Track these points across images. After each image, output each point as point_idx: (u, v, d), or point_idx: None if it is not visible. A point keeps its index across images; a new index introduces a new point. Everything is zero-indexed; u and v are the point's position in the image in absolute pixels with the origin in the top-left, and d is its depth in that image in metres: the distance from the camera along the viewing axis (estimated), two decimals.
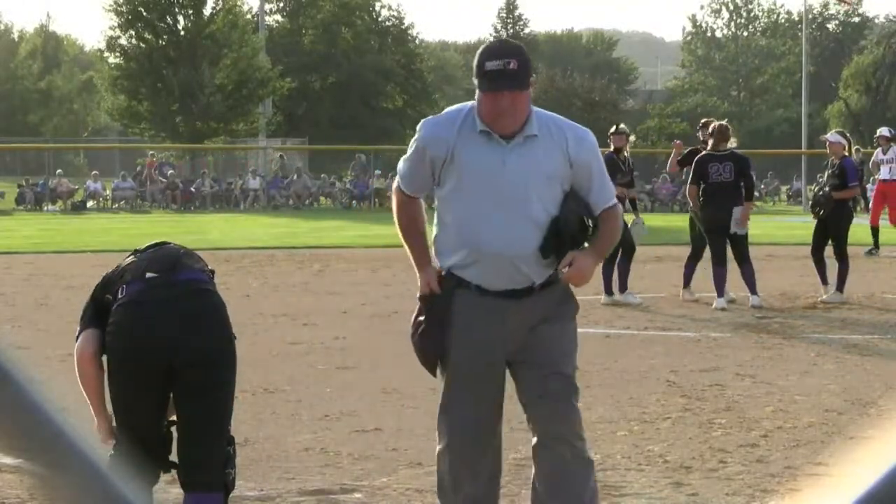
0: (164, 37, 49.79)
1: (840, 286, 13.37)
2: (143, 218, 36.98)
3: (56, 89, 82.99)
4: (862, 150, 22.55)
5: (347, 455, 6.56)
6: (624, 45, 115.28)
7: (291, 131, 59.35)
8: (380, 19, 71.38)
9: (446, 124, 4.51)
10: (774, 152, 54.78)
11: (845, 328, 11.62)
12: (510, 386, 4.60)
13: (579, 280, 4.47)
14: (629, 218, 11.98)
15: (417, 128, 4.61)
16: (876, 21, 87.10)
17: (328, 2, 67.62)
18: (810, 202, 14.86)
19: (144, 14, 49.40)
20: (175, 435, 4.64)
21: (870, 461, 0.98)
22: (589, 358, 8.76)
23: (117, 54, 50.82)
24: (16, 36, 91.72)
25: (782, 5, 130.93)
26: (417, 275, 4.64)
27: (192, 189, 43.82)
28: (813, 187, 22.27)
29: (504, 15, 78.01)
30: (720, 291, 12.87)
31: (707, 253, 13.31)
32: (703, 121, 14.90)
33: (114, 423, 4.62)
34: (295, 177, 44.99)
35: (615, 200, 4.65)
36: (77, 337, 4.65)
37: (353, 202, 44.31)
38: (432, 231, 4.64)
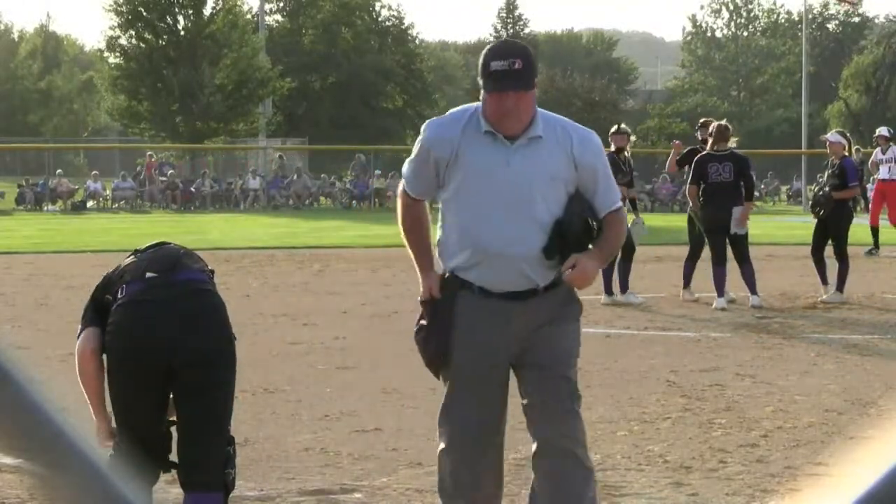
0: (164, 37, 49.81)
1: (840, 286, 13.37)
2: (143, 218, 36.99)
3: (56, 89, 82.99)
4: (862, 150, 22.55)
5: (347, 455, 6.56)
6: (624, 45, 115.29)
7: (291, 131, 59.35)
8: (380, 19, 71.38)
9: (451, 125, 4.49)
10: (774, 152, 54.79)
11: (845, 328, 11.62)
12: (512, 387, 4.59)
13: (582, 282, 4.45)
14: (629, 218, 11.99)
15: (422, 129, 4.58)
16: (876, 21, 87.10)
17: (328, 2, 67.62)
18: (810, 202, 14.86)
19: (144, 14, 49.42)
20: (175, 435, 4.64)
21: (870, 461, 0.98)
22: (589, 358, 8.76)
23: (117, 54, 50.84)
24: (16, 36, 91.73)
25: (782, 5, 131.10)
26: (419, 279, 4.62)
27: (192, 189, 43.82)
28: (813, 187, 22.28)
29: (504, 15, 77.98)
30: (720, 291, 12.87)
31: (706, 252, 13.31)
32: (701, 120, 14.92)
33: (113, 425, 4.61)
34: (295, 177, 44.99)
35: (620, 203, 4.63)
36: (78, 336, 4.65)
37: (353, 202, 44.32)
38: (436, 233, 4.62)
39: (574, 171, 4.45)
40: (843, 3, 74.58)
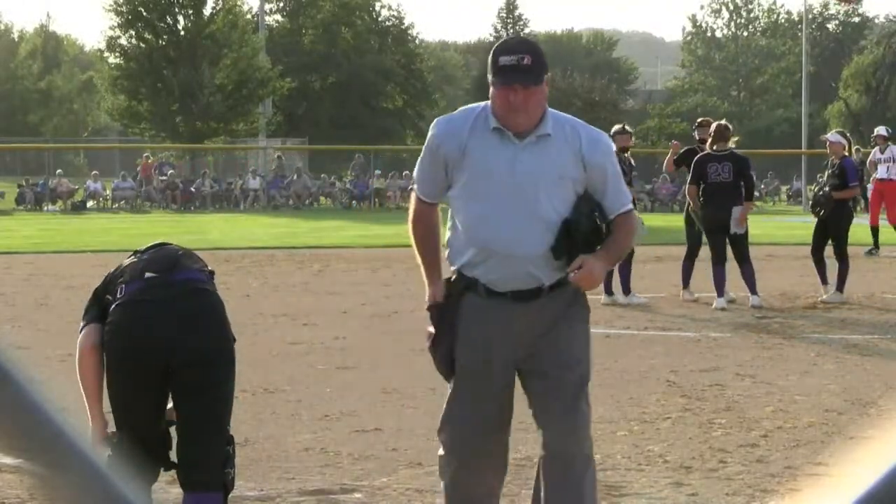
0: (164, 37, 49.81)
1: (840, 286, 13.37)
2: (143, 218, 36.99)
3: (56, 89, 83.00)
4: (862, 149, 22.57)
5: (347, 455, 6.56)
6: (624, 45, 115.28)
7: (291, 131, 59.35)
8: (380, 19, 71.40)
9: (459, 122, 4.47)
10: (774, 152, 54.78)
11: (845, 328, 11.62)
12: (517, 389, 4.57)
13: (588, 283, 4.40)
14: None
15: (431, 126, 4.55)
16: (876, 21, 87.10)
17: (328, 2, 67.62)
18: (810, 202, 14.86)
19: (144, 14, 49.42)
20: (174, 434, 4.64)
21: (870, 461, 0.98)
22: None
23: (117, 54, 50.84)
24: (16, 36, 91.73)
25: (782, 5, 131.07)
26: (426, 286, 4.58)
27: (192, 189, 43.82)
28: (813, 187, 22.28)
29: (504, 15, 77.99)
30: (720, 291, 12.87)
31: (705, 252, 13.32)
32: (699, 120, 14.93)
33: (110, 429, 4.61)
34: (295, 177, 44.99)
35: (630, 205, 4.57)
36: (79, 333, 4.65)
37: (353, 202, 44.32)
38: (445, 233, 4.59)
39: (583, 170, 4.40)
40: (843, 3, 74.65)
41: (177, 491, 4.68)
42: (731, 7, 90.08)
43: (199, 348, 4.48)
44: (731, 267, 12.88)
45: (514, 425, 4.64)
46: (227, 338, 4.59)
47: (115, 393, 4.55)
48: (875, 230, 19.88)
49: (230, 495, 4.68)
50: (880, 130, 21.31)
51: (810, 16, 67.00)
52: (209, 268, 4.77)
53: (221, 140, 50.71)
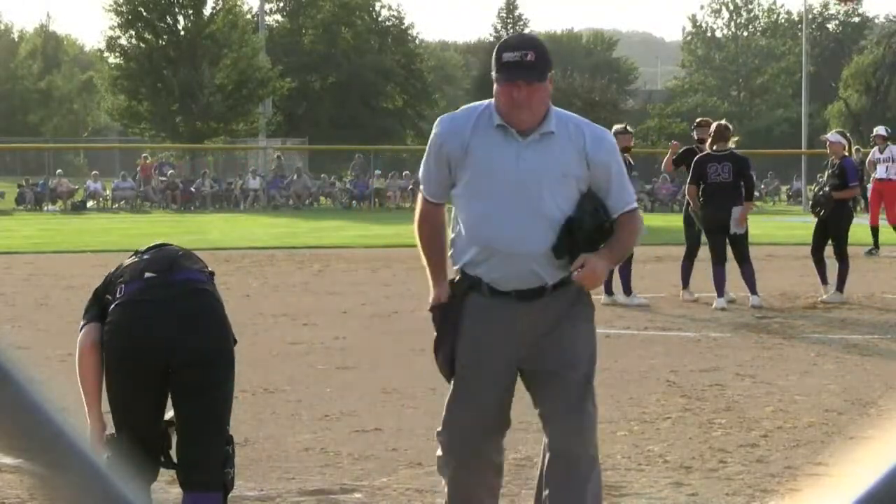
0: (164, 37, 49.82)
1: (840, 286, 13.37)
2: (143, 218, 36.99)
3: (56, 89, 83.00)
4: (862, 149, 22.58)
5: (347, 455, 6.56)
6: (624, 45, 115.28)
7: (291, 131, 59.36)
8: (380, 19, 71.40)
9: (462, 120, 4.45)
10: (774, 152, 54.79)
11: (845, 328, 11.62)
12: (518, 388, 4.56)
13: (591, 282, 4.37)
14: None
15: (434, 125, 4.54)
16: (876, 21, 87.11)
17: (328, 2, 67.63)
18: (811, 202, 14.86)
19: (144, 14, 49.43)
20: (173, 434, 4.64)
21: (870, 461, 0.98)
22: None
23: (117, 54, 50.85)
24: (16, 36, 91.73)
25: (782, 5, 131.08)
26: (430, 287, 4.56)
27: (192, 189, 43.83)
28: (813, 187, 22.28)
29: (504, 15, 78.00)
30: (720, 291, 12.87)
31: (704, 252, 13.32)
32: (697, 120, 14.93)
33: (108, 431, 4.60)
34: (295, 177, 44.99)
35: (635, 204, 4.54)
36: (80, 331, 4.65)
37: (353, 202, 44.31)
38: (449, 233, 4.57)
39: (586, 168, 4.38)
40: (843, 3, 74.66)
41: (177, 491, 4.69)
42: (731, 7, 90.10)
43: (198, 348, 4.48)
44: (731, 267, 12.88)
45: (514, 425, 4.64)
46: (226, 338, 4.59)
47: (115, 393, 4.54)
48: (875, 230, 19.89)
49: (230, 495, 4.68)
50: (879, 130, 21.31)
51: (810, 16, 67.01)
52: (209, 269, 4.77)
53: (221, 140, 50.71)
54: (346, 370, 9.30)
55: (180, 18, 50.12)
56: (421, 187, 4.60)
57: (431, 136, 4.51)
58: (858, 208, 23.25)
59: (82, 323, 4.64)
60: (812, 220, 13.96)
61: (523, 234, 4.33)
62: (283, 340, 10.73)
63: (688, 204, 13.72)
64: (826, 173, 14.10)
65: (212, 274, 4.74)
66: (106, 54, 51.61)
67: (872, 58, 70.00)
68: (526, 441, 6.22)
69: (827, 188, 13.54)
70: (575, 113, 4.69)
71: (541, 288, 4.39)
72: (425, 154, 4.54)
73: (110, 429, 4.62)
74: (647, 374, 9.05)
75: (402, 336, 10.85)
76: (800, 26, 60.32)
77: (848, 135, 14.56)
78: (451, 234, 4.54)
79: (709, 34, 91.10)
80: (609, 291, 13.17)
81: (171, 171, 46.00)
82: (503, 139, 4.36)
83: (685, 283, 13.69)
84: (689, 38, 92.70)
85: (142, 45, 49.80)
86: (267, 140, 53.08)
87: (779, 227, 27.80)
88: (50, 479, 1.04)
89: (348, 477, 6.11)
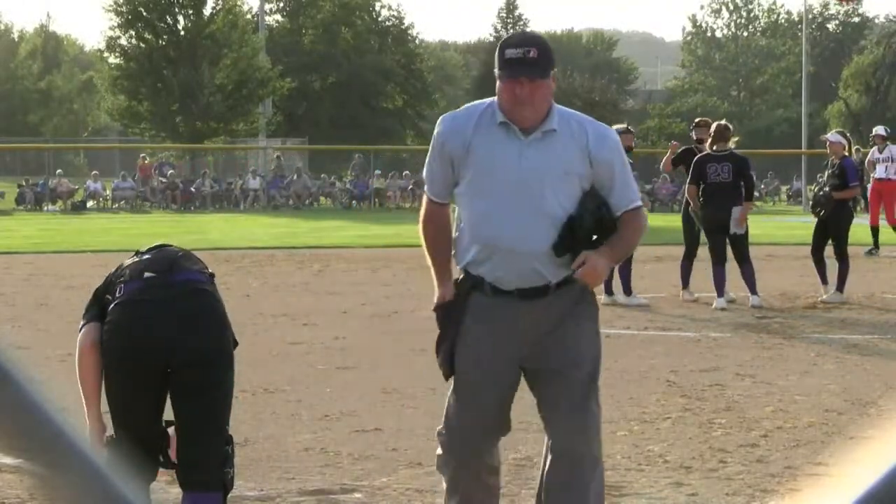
0: (164, 37, 49.85)
1: (840, 286, 13.37)
2: (143, 218, 36.99)
3: (56, 89, 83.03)
4: (862, 149, 22.59)
5: (347, 455, 6.56)
6: (624, 45, 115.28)
7: (291, 131, 59.38)
8: (380, 19, 71.42)
9: (464, 118, 4.43)
10: (774, 152, 54.79)
11: (845, 328, 11.62)
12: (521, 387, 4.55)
13: (592, 279, 4.35)
14: None
15: (437, 124, 4.52)
16: (876, 21, 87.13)
17: (328, 2, 67.65)
18: (811, 202, 14.86)
19: (144, 14, 49.46)
20: (172, 434, 4.63)
21: (870, 461, 0.98)
22: None
23: (117, 54, 50.86)
24: (16, 36, 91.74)
25: (782, 5, 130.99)
26: (435, 287, 4.53)
27: (192, 189, 43.83)
28: (813, 187, 22.29)
29: (504, 15, 78.02)
30: (720, 291, 12.87)
31: (704, 252, 13.32)
32: (696, 120, 14.93)
33: (108, 433, 4.60)
34: (295, 177, 45.00)
35: (639, 202, 4.51)
36: (79, 331, 4.65)
37: (353, 202, 44.32)
38: (454, 234, 4.56)
39: (589, 166, 4.36)
40: (843, 3, 74.68)
41: (177, 491, 4.68)
42: (731, 7, 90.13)
43: (199, 348, 4.47)
44: (731, 267, 12.88)
45: (514, 425, 4.63)
46: (226, 338, 4.59)
47: (114, 393, 4.54)
48: (875, 230, 19.89)
49: (230, 495, 4.67)
50: (879, 130, 21.31)
51: (810, 16, 67.02)
52: (209, 270, 4.76)
53: (221, 140, 50.73)
54: (346, 370, 9.29)
55: (180, 18, 50.14)
56: (425, 187, 4.58)
57: (434, 135, 4.50)
58: (858, 208, 23.25)
59: (82, 323, 4.64)
60: (812, 220, 13.96)
61: (525, 232, 4.31)
62: (283, 340, 10.73)
63: (687, 204, 13.73)
64: (826, 173, 14.09)
65: (212, 275, 4.73)
66: (106, 54, 51.63)
67: (872, 58, 70.01)
68: (526, 441, 6.22)
69: (827, 188, 13.54)
70: None
71: (544, 287, 4.36)
72: (428, 154, 4.52)
73: (110, 429, 4.62)
74: (647, 374, 9.05)
75: (402, 336, 10.85)
76: (800, 26, 60.33)
77: (848, 135, 14.56)
78: (454, 234, 4.53)
79: (709, 34, 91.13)
80: (609, 291, 13.17)
81: (171, 171, 46.01)
82: (505, 137, 4.34)
83: (685, 283, 13.69)
84: (689, 38, 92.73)
85: (142, 45, 49.82)
86: (267, 140, 53.09)
87: (779, 227, 27.81)
88: (50, 479, 1.04)
89: (348, 477, 6.11)
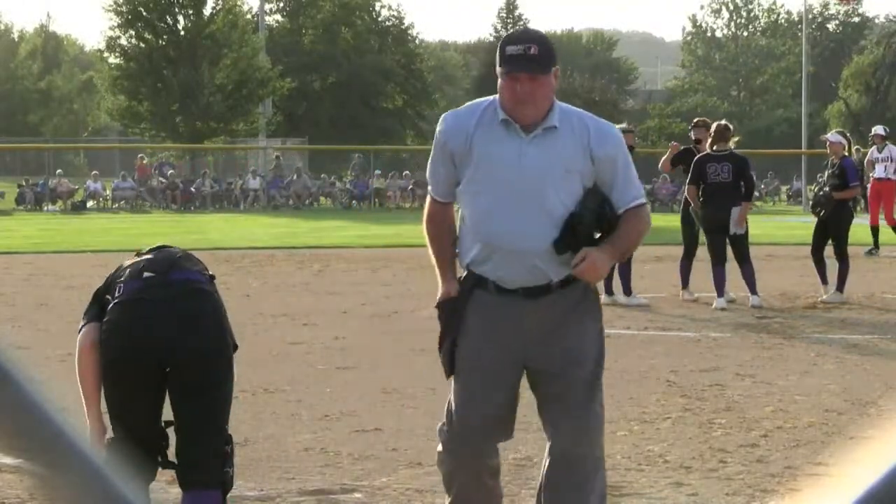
0: (164, 37, 49.85)
1: (840, 286, 13.37)
2: (143, 218, 36.99)
3: (56, 89, 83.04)
4: (862, 149, 22.57)
5: (347, 455, 6.56)
6: (624, 45, 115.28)
7: (291, 131, 59.38)
8: (380, 19, 71.41)
9: (466, 116, 4.42)
10: (774, 152, 54.78)
11: (845, 328, 11.61)
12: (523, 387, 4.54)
13: (592, 275, 4.32)
14: None
15: (439, 121, 4.51)
16: (876, 21, 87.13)
17: (328, 2, 67.64)
18: (811, 202, 14.86)
19: (144, 14, 49.46)
20: (172, 433, 4.63)
21: (870, 461, 0.98)
22: None
23: (117, 54, 50.87)
24: (16, 36, 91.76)
25: (782, 5, 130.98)
26: (439, 284, 4.51)
27: (192, 189, 43.84)
28: (813, 187, 22.29)
29: (504, 15, 78.01)
30: (720, 291, 12.87)
31: (703, 252, 13.32)
32: (695, 120, 14.93)
33: (108, 434, 4.60)
34: (295, 177, 45.00)
35: (643, 200, 4.48)
36: (79, 332, 4.65)
37: (353, 202, 44.33)
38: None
39: (590, 163, 4.33)
40: (843, 2, 74.69)
41: (177, 491, 4.68)
42: (731, 7, 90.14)
43: (199, 348, 4.47)
44: (731, 267, 12.88)
45: (514, 425, 4.62)
46: (225, 339, 4.58)
47: (112, 393, 4.53)
48: (875, 230, 19.89)
49: (229, 495, 4.67)
50: (878, 130, 21.31)
51: (810, 16, 67.02)
52: (210, 272, 4.75)
53: (221, 140, 50.73)
54: (346, 370, 9.29)
55: (180, 18, 50.15)
56: (429, 187, 4.58)
57: (436, 133, 4.49)
58: (858, 208, 23.25)
59: (82, 323, 4.64)
60: (812, 220, 13.96)
61: (525, 230, 4.29)
62: (283, 340, 10.73)
63: (685, 204, 13.73)
64: (826, 173, 14.09)
65: (212, 277, 4.73)
66: (106, 54, 51.63)
67: (872, 58, 70.00)
68: (526, 441, 6.22)
69: (827, 188, 13.54)
70: None
71: (546, 285, 4.34)
72: (431, 153, 4.51)
73: (110, 431, 4.61)
74: (647, 374, 9.05)
75: (402, 336, 10.85)
76: (800, 26, 60.34)
77: (848, 135, 14.56)
78: (458, 230, 4.52)
79: (709, 34, 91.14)
80: (609, 291, 13.16)
81: (171, 171, 46.02)
82: (506, 134, 4.33)
83: (685, 282, 13.69)
84: (689, 38, 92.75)
85: (142, 45, 49.83)
86: (267, 140, 53.10)
87: (779, 227, 27.81)
88: (50, 479, 1.04)
89: (348, 477, 6.11)
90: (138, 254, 4.74)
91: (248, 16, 54.82)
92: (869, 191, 21.43)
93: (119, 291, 4.52)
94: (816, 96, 65.03)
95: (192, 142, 48.32)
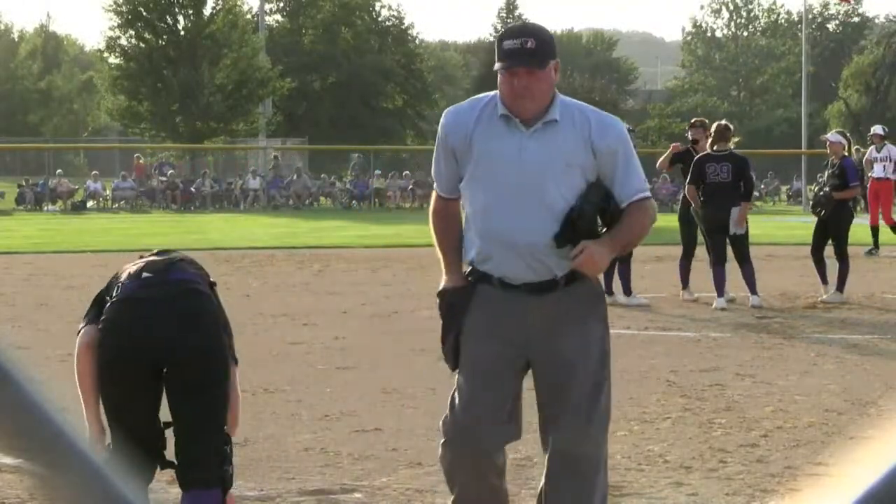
0: (164, 37, 49.87)
1: (840, 286, 13.37)
2: (143, 218, 36.99)
3: (56, 89, 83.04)
4: (861, 149, 22.57)
5: (347, 455, 6.56)
6: (624, 45, 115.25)
7: (291, 131, 59.38)
8: (380, 19, 71.41)
9: (466, 111, 4.41)
10: (774, 152, 54.79)
11: (845, 328, 11.61)
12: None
13: (590, 268, 4.28)
14: None
15: (441, 117, 4.50)
16: (876, 21, 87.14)
17: (328, 2, 67.65)
18: (811, 202, 14.86)
19: (144, 14, 49.48)
20: (169, 434, 4.63)
21: (870, 461, 0.98)
22: None
23: (117, 54, 50.88)
24: (16, 36, 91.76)
25: (782, 5, 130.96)
26: (443, 276, 4.49)
27: (192, 189, 43.84)
28: (813, 187, 22.28)
29: (504, 15, 78.03)
30: (720, 291, 12.87)
31: (701, 251, 13.32)
32: (693, 120, 14.94)
33: (107, 435, 4.60)
34: (295, 177, 45.01)
35: (646, 193, 4.41)
36: (78, 333, 4.64)
37: (353, 202, 44.33)
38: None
39: (592, 156, 4.30)
40: (843, 2, 74.69)
41: (177, 491, 4.68)
42: (731, 7, 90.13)
43: (200, 346, 4.47)
44: (732, 267, 12.88)
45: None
46: (223, 339, 4.58)
47: (110, 392, 4.52)
48: (875, 230, 19.89)
49: (228, 493, 4.67)
50: (876, 129, 21.32)
51: (810, 16, 67.03)
52: (211, 279, 4.74)
53: (221, 140, 50.74)
54: (346, 370, 9.29)
55: (180, 18, 50.17)
56: (434, 184, 4.57)
57: (438, 129, 4.49)
58: (858, 208, 23.25)
59: (81, 325, 4.64)
60: (812, 220, 13.96)
61: (526, 225, 4.27)
62: (283, 340, 10.73)
63: (684, 203, 13.74)
64: (826, 173, 14.09)
65: (213, 284, 4.72)
66: (106, 54, 51.64)
67: (872, 58, 70.02)
68: (526, 441, 6.19)
69: (827, 188, 13.54)
70: None
71: (551, 281, 4.32)
72: (434, 149, 4.50)
73: (109, 436, 4.60)
74: (647, 374, 9.05)
75: (402, 336, 10.84)
76: (800, 26, 60.32)
77: (848, 135, 14.55)
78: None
79: (709, 34, 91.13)
80: (609, 291, 13.15)
81: (171, 171, 46.02)
82: (506, 129, 4.31)
83: (684, 282, 13.69)
84: (689, 38, 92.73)
85: (142, 45, 49.85)
86: (267, 140, 53.11)
87: (779, 227, 27.81)
88: (50, 479, 1.04)
89: (348, 477, 6.11)
90: (140, 257, 4.75)
91: (248, 16, 54.84)
92: (868, 191, 21.44)
93: (117, 291, 4.53)
94: (816, 96, 65.04)
95: (192, 142, 48.32)
